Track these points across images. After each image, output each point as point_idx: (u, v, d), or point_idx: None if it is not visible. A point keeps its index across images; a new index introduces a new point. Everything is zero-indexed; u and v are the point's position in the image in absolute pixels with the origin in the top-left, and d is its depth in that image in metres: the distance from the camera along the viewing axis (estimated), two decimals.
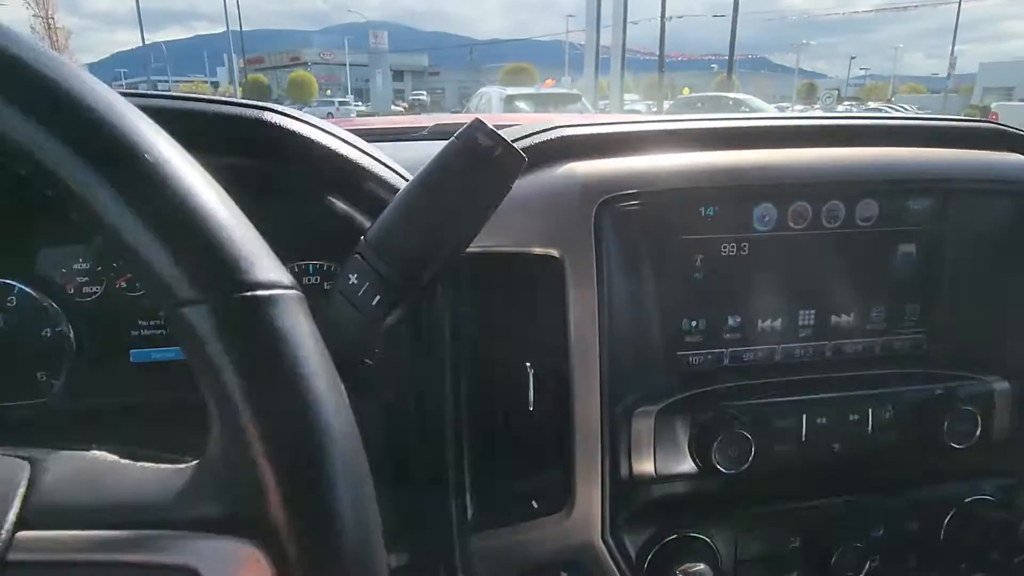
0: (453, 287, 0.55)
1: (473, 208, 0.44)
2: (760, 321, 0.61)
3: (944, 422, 0.59)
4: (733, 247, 0.59)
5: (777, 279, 0.61)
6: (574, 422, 0.54)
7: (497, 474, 0.58)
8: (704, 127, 0.61)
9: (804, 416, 0.58)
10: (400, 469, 0.60)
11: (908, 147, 0.63)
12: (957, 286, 0.63)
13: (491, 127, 0.43)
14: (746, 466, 0.55)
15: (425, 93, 52.77)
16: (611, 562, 0.56)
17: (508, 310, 0.56)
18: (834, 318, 0.63)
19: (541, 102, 10.53)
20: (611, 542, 0.56)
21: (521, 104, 9.98)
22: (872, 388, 0.60)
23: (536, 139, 0.58)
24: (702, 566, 0.55)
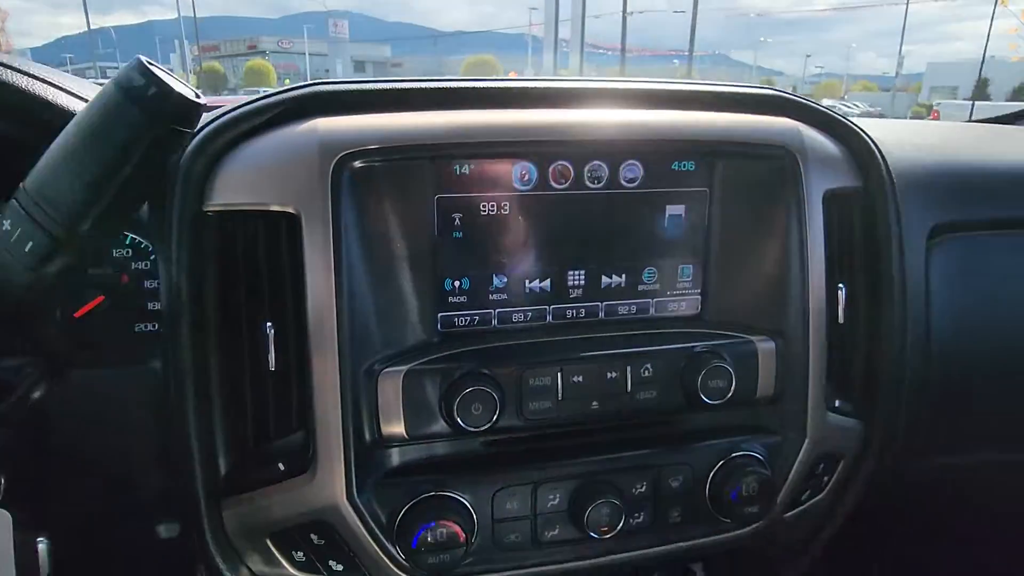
0: (191, 244, 0.54)
1: (132, 152, 0.42)
2: (528, 282, 0.61)
3: (698, 379, 0.59)
4: (493, 206, 0.59)
5: (542, 239, 0.60)
6: (312, 383, 0.53)
7: (247, 436, 0.57)
8: (467, 86, 0.60)
9: (560, 374, 0.58)
10: (166, 436, 0.58)
11: (679, 110, 0.63)
12: (728, 247, 0.64)
13: (151, 66, 0.41)
14: (488, 425, 0.55)
15: None
16: (358, 522, 0.55)
17: (248, 268, 0.55)
18: (605, 279, 0.63)
19: None
20: (358, 503, 0.55)
21: None
22: (635, 347, 0.61)
23: (286, 95, 0.57)
24: (451, 525, 0.55)
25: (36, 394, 0.56)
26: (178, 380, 0.55)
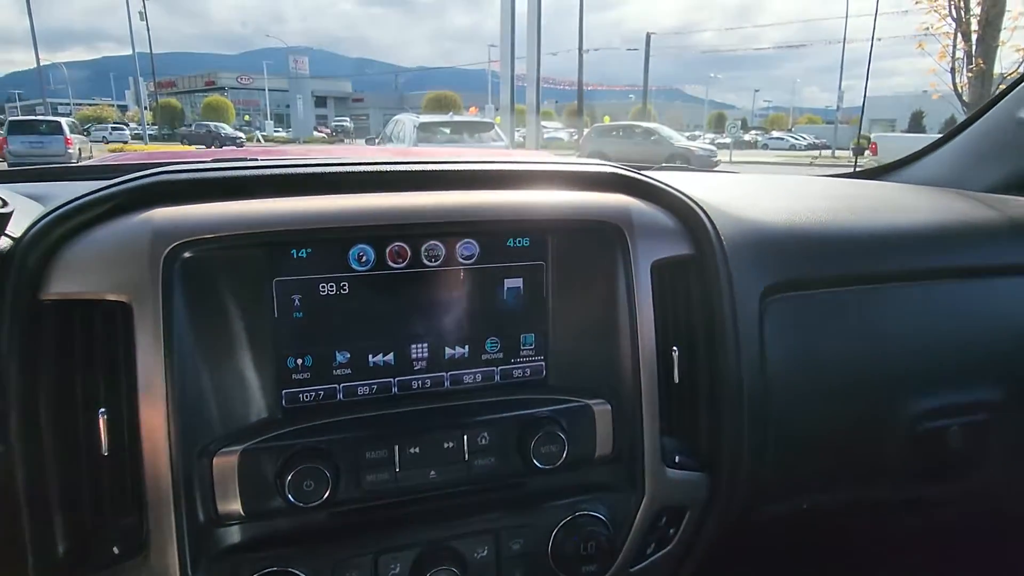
0: (23, 333, 0.55)
1: None
2: (371, 356, 0.64)
3: (531, 446, 0.63)
4: (332, 287, 0.62)
5: (384, 315, 0.64)
6: (143, 466, 0.55)
7: (83, 520, 0.58)
8: (304, 173, 0.64)
9: (397, 447, 0.61)
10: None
11: (513, 190, 0.68)
12: (566, 316, 0.69)
13: None
14: (320, 500, 0.57)
15: (349, 119, 52.38)
16: None
17: (83, 355, 0.57)
18: (448, 350, 0.66)
19: (455, 129, 10.68)
20: None
21: (435, 131, 10.09)
22: (472, 417, 0.64)
23: (128, 185, 0.60)
24: None
25: None
26: (9, 463, 0.55)
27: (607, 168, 0.74)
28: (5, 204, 0.47)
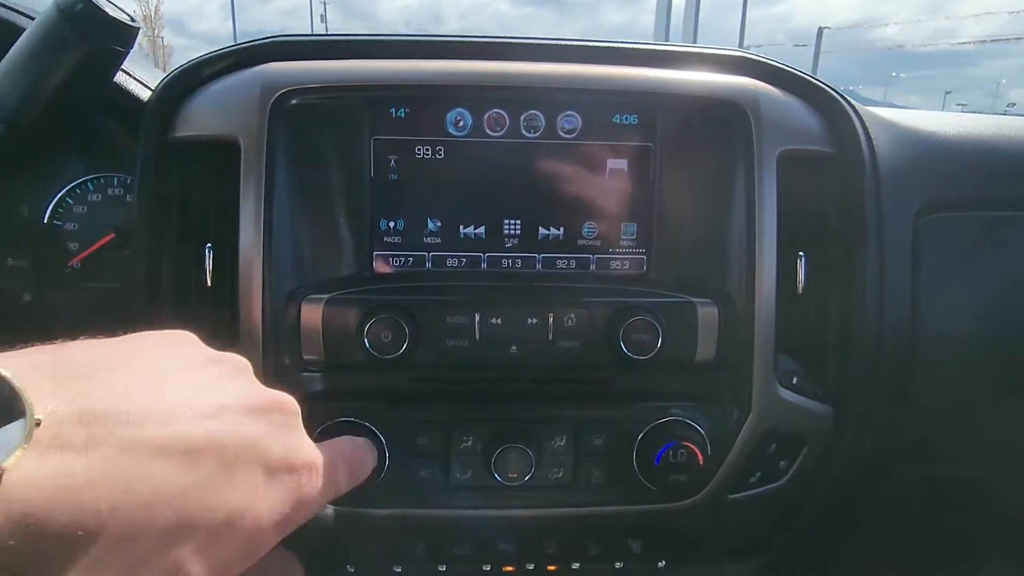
0: (153, 168, 0.60)
1: (64, 61, 0.49)
2: (462, 227, 0.62)
3: (620, 331, 0.58)
4: (428, 150, 0.61)
5: (476, 185, 0.61)
6: (238, 302, 0.57)
7: None
8: (409, 39, 0.63)
9: (477, 314, 0.58)
10: None
11: (628, 66, 0.63)
12: (674, 206, 0.62)
13: None
14: (397, 353, 0.56)
15: None
16: None
17: (197, 193, 0.60)
18: (542, 230, 0.63)
19: None
20: None
21: None
22: (562, 296, 0.60)
23: (247, 45, 0.63)
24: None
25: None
26: (133, 291, 0.60)
27: (735, 51, 0.66)
28: (133, 20, 0.51)
